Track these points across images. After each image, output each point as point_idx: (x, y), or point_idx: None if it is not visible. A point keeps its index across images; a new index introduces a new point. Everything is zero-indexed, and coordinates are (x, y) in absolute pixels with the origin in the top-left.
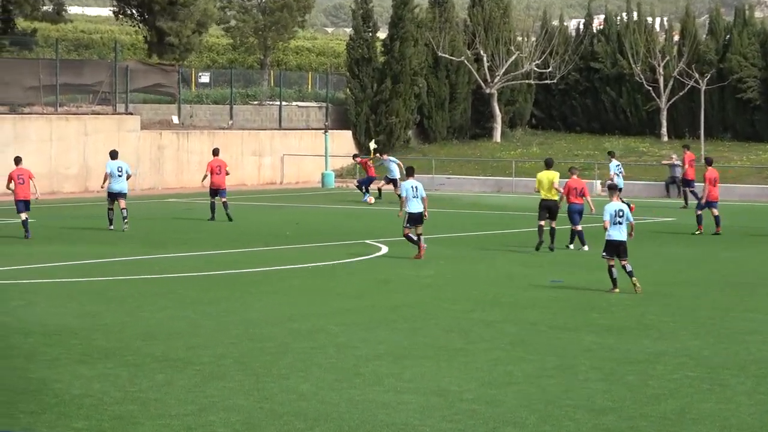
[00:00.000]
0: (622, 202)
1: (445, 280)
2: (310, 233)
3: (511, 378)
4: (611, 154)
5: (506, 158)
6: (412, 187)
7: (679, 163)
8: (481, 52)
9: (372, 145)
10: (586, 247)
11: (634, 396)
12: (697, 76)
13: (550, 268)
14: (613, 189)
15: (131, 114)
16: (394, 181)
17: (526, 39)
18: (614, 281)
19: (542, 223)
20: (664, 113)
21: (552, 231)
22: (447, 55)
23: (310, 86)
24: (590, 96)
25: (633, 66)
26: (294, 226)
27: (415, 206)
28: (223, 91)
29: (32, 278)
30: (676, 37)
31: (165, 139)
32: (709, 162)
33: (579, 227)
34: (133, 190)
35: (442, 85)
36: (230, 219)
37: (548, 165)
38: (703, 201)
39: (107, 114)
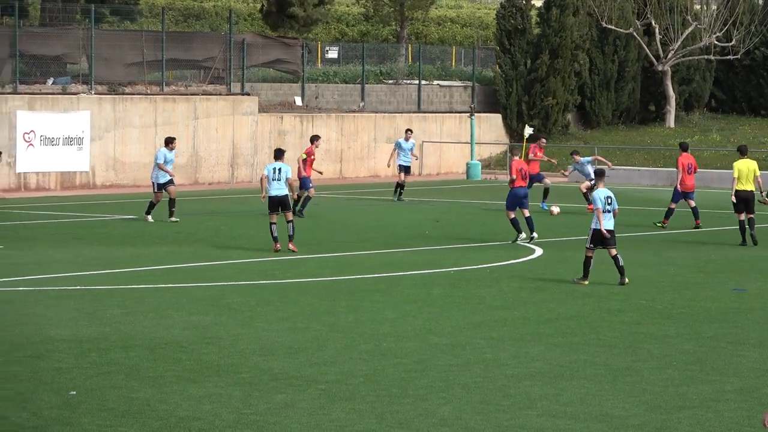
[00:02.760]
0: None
1: (609, 288)
2: (452, 233)
3: (685, 401)
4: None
5: None
6: (274, 169)
7: None
8: (653, 23)
9: (526, 130)
10: (523, 235)
11: None
12: None
13: (731, 273)
14: (600, 175)
15: (248, 94)
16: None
17: (705, 7)
18: (587, 273)
19: (742, 217)
20: None
21: (750, 222)
22: (613, 26)
23: (453, 62)
24: None
25: None
26: (434, 224)
27: (276, 188)
28: (353, 69)
29: (134, 284)
30: None
31: (286, 124)
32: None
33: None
34: (251, 181)
35: (608, 61)
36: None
37: (743, 152)
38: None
39: (220, 94)
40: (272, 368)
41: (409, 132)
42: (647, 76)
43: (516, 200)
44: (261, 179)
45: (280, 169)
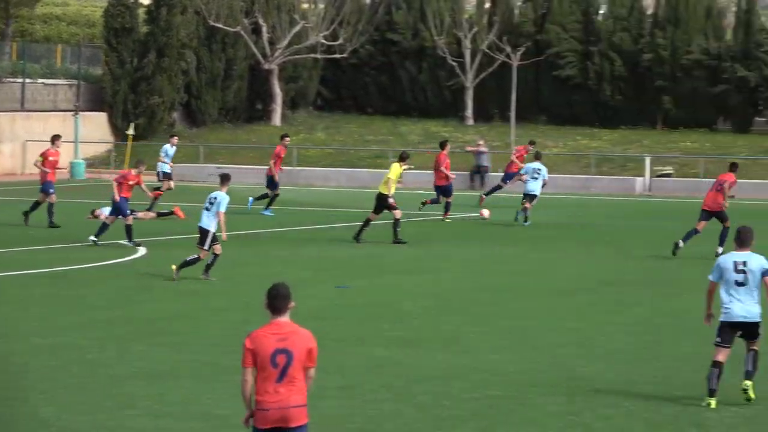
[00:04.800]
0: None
1: (213, 287)
2: (55, 232)
3: None
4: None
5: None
6: None
7: (485, 150)
8: (260, 22)
9: (130, 130)
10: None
11: (426, 418)
12: (509, 49)
13: (335, 271)
14: (223, 179)
15: None
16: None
17: (312, 6)
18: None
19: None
20: (470, 92)
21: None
22: (221, 25)
23: (59, 61)
24: (386, 73)
25: (435, 38)
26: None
27: None
28: None
29: None
30: (487, 4)
31: None
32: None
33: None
34: None
35: (215, 59)
36: None
37: (403, 158)
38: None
39: None
40: None
41: (176, 137)
42: (255, 75)
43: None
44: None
45: None
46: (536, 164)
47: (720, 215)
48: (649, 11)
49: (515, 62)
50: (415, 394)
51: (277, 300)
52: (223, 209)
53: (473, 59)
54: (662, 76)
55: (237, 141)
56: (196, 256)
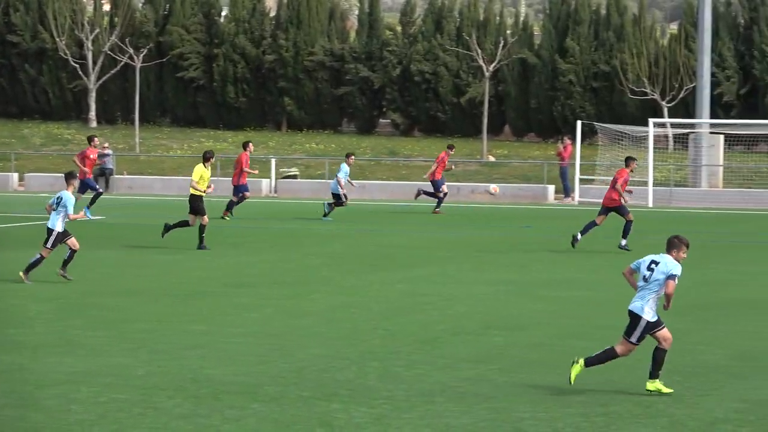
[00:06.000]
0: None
1: None
2: None
3: None
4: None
5: None
6: None
7: (110, 152)
8: None
9: None
10: None
11: (55, 423)
12: (131, 51)
13: None
14: (67, 177)
15: None
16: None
17: None
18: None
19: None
20: (93, 94)
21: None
22: None
23: None
24: (6, 75)
25: (57, 40)
26: None
27: None
28: None
29: None
30: (107, 6)
31: None
32: None
33: None
34: None
35: None
36: None
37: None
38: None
39: None
40: None
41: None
42: None
43: None
44: None
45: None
46: (342, 164)
47: (618, 210)
48: (272, 13)
49: (138, 64)
50: (41, 399)
51: None
52: (71, 211)
53: (96, 61)
54: (285, 77)
55: None
56: (39, 256)
